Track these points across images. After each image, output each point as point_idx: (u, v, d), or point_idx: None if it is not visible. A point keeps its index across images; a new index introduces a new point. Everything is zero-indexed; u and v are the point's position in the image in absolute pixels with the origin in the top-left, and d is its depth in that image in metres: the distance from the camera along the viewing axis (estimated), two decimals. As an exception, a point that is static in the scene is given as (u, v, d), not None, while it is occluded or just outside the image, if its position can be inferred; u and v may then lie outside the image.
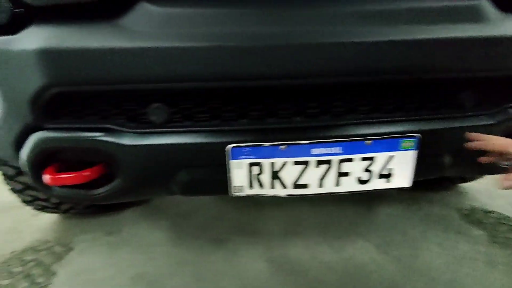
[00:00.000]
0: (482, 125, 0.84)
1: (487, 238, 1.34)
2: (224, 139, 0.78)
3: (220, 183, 0.84)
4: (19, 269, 1.28)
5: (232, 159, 0.80)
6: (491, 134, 0.85)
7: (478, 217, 1.47)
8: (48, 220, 1.62)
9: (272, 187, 0.83)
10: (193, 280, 1.18)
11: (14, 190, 1.38)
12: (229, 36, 0.70)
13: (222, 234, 1.43)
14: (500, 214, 1.49)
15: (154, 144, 0.78)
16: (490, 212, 1.51)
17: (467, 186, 1.75)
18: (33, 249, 1.40)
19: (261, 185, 0.83)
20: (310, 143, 0.79)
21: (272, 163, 0.80)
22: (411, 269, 1.19)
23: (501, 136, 0.87)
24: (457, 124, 0.83)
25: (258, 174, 0.82)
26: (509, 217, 1.47)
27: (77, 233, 1.48)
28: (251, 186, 0.83)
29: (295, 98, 0.80)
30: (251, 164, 0.80)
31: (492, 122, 0.85)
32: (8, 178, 1.33)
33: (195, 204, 1.67)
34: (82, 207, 1.49)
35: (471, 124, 0.83)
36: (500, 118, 0.86)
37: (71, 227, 1.54)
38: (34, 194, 1.36)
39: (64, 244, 1.42)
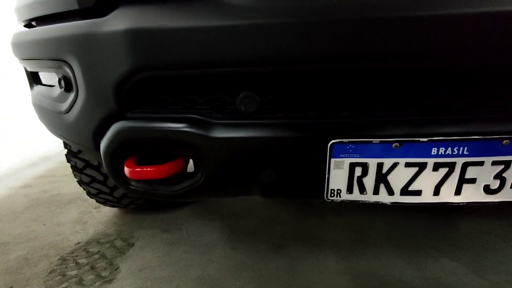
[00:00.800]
0: None
1: None
2: (323, 134, 0.66)
3: (313, 185, 0.72)
4: (85, 260, 1.27)
5: (332, 158, 0.68)
6: None
7: None
8: (109, 213, 1.62)
9: (376, 192, 0.70)
10: (256, 286, 1.08)
11: (81, 182, 1.38)
12: (344, 8, 0.58)
13: (280, 239, 1.32)
14: None
15: (242, 137, 0.69)
16: None
17: None
18: (96, 241, 1.39)
19: (362, 189, 0.70)
20: (430, 141, 0.64)
21: (380, 164, 0.67)
22: (520, 299, 0.99)
23: None
24: None
25: (361, 177, 0.69)
26: None
27: (136, 228, 1.46)
28: (350, 190, 0.71)
29: (411, 85, 0.66)
30: (354, 164, 0.68)
31: None
32: (77, 170, 1.33)
33: (246, 205, 1.58)
34: (141, 202, 1.46)
35: None
36: None
37: (130, 222, 1.52)
38: (99, 188, 1.35)
39: (125, 238, 1.39)
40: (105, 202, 1.48)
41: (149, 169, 0.75)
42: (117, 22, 0.68)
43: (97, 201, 1.48)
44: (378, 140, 0.65)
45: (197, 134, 0.70)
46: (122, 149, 0.78)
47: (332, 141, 0.66)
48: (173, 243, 1.35)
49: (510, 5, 0.55)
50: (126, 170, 0.76)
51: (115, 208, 1.66)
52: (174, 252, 1.29)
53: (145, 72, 0.68)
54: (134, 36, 0.66)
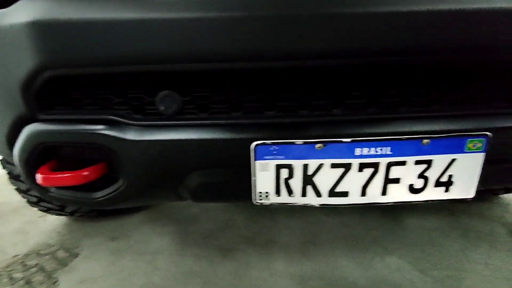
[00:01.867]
0: None
1: (544, 259, 1.12)
2: (247, 135, 0.63)
3: (241, 189, 0.68)
4: (20, 275, 1.16)
5: (257, 160, 0.64)
6: None
7: (529, 234, 1.26)
8: (54, 222, 1.50)
9: (304, 194, 0.67)
10: (204, 295, 1.03)
11: (19, 191, 1.27)
12: (259, 4, 0.54)
13: (232, 243, 1.27)
14: (558, 232, 1.27)
15: (163, 140, 0.64)
16: (542, 228, 1.29)
17: (510, 198, 1.53)
18: (36, 253, 1.28)
19: (290, 192, 0.67)
20: (353, 141, 0.62)
21: (305, 165, 0.64)
22: (458, 294, 1.00)
23: None
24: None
25: (288, 179, 0.66)
26: None
27: (82, 237, 1.36)
28: (278, 192, 0.67)
29: (335, 84, 0.64)
30: (279, 166, 0.64)
31: None
32: (13, 177, 1.22)
33: (202, 209, 1.52)
34: (88, 210, 1.36)
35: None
36: None
37: (76, 230, 1.42)
38: (38, 195, 1.24)
39: (68, 249, 1.29)
40: (47, 211, 1.36)
41: (63, 175, 0.68)
42: (20, 13, 0.61)
43: (39, 209, 1.36)
44: (301, 141, 0.62)
45: (114, 137, 0.64)
46: (38, 154, 0.70)
47: (255, 143, 0.62)
48: (120, 252, 1.26)
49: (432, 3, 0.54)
50: (38, 176, 0.68)
51: (62, 217, 1.54)
52: (120, 261, 1.21)
53: (53, 70, 0.61)
54: (39, 29, 0.59)
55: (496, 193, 1.46)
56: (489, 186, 0.71)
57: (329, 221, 1.40)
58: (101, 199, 0.72)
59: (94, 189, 0.73)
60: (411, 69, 0.62)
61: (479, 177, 0.66)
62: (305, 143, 0.62)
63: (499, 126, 0.63)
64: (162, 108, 0.65)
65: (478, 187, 0.67)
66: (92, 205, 0.72)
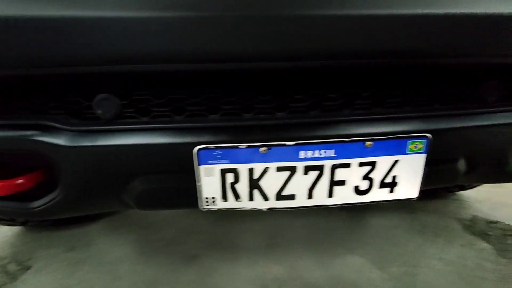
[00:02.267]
0: (503, 124, 0.67)
1: (494, 252, 1.17)
2: (189, 140, 0.60)
3: (186, 195, 0.66)
4: (-36, 292, 1.07)
5: (201, 164, 0.61)
6: (512, 135, 0.69)
7: (482, 229, 1.31)
8: (7, 233, 1.40)
9: (251, 198, 0.65)
10: (164, 304, 0.99)
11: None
12: (195, 4, 0.52)
13: (196, 249, 1.23)
14: (506, 224, 1.33)
15: (102, 146, 0.60)
16: (494, 222, 1.35)
17: (466, 194, 1.60)
18: (-16, 267, 1.18)
19: (237, 196, 0.65)
20: (297, 144, 0.61)
21: (250, 169, 0.62)
22: (413, 289, 1.02)
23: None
24: (475, 122, 0.66)
25: (234, 183, 0.64)
26: (514, 228, 1.31)
27: (36, 249, 1.27)
28: (225, 197, 0.65)
29: (278, 88, 0.63)
30: (224, 171, 0.62)
31: (515, 121, 0.69)
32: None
33: (166, 215, 1.48)
34: (38, 219, 1.28)
35: (492, 123, 0.67)
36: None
37: (31, 241, 1.33)
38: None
39: (21, 261, 1.21)
40: (-3, 221, 1.27)
41: (-7, 184, 0.62)
42: None
43: (-12, 220, 1.27)
44: (245, 145, 0.60)
45: (49, 143, 0.60)
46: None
47: (198, 147, 0.60)
48: (78, 263, 1.19)
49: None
50: (-35, 186, 0.62)
51: (16, 227, 1.44)
52: (77, 273, 1.14)
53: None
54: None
55: (451, 190, 1.52)
56: (432, 186, 0.72)
57: (295, 223, 1.40)
58: (38, 209, 0.66)
59: (31, 198, 0.68)
60: (352, 72, 0.63)
61: (422, 177, 0.67)
62: (249, 147, 0.60)
63: (439, 127, 0.65)
64: (100, 112, 0.61)
65: (421, 187, 0.68)
66: (28, 216, 0.67)
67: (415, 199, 0.70)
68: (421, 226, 1.36)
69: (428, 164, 0.66)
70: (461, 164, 0.71)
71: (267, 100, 0.62)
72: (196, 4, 0.53)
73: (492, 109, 0.67)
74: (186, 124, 0.61)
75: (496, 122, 0.67)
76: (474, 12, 0.58)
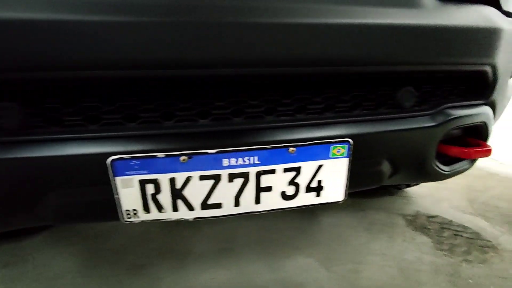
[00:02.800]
0: (421, 128, 0.70)
1: (432, 245, 1.23)
2: (102, 150, 0.56)
3: (106, 208, 0.62)
4: None
5: (117, 176, 0.58)
6: (430, 138, 0.72)
7: (422, 223, 1.38)
8: None
9: (175, 209, 0.63)
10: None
11: None
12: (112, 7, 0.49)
13: (143, 259, 1.18)
14: (444, 218, 1.41)
15: (5, 159, 0.54)
16: (433, 217, 1.42)
17: (412, 190, 1.67)
18: None
19: (160, 207, 0.62)
20: (219, 152, 0.59)
21: (172, 179, 0.60)
22: (355, 287, 1.04)
23: (440, 139, 0.75)
24: (394, 126, 0.69)
25: (155, 194, 0.61)
26: (452, 221, 1.39)
27: (-36, 268, 1.16)
28: (147, 209, 0.62)
29: (200, 95, 0.60)
30: (144, 182, 0.59)
31: (431, 124, 0.72)
32: None
33: (116, 223, 1.41)
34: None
35: (409, 127, 0.70)
36: (441, 119, 0.73)
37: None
38: None
39: None
40: None
41: None
42: None
43: None
44: (163, 154, 0.57)
45: None
46: None
47: (111, 158, 0.56)
48: (12, 280, 1.10)
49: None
50: None
51: None
52: (11, 291, 1.05)
53: None
54: None
55: (399, 187, 1.59)
56: (358, 188, 0.74)
57: (248, 225, 1.39)
58: None
59: None
60: (273, 79, 0.62)
61: (346, 180, 0.68)
62: (168, 156, 0.58)
63: (359, 132, 0.66)
64: (1, 122, 0.55)
65: (347, 190, 0.70)
66: None
67: (341, 201, 0.71)
68: (368, 223, 1.40)
69: (352, 168, 0.67)
70: (385, 166, 0.73)
71: (187, 107, 0.60)
72: (102, 9, 0.50)
73: (409, 113, 0.70)
74: (99, 134, 0.57)
75: (413, 126, 0.69)
76: (387, 22, 0.60)
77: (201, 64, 0.54)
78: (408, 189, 1.67)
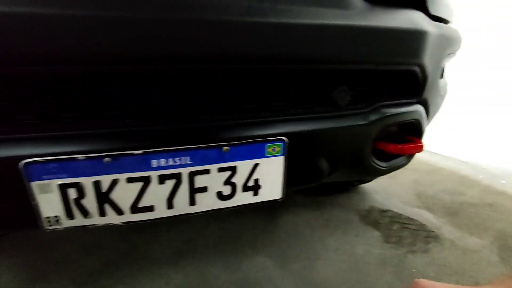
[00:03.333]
0: (355, 126, 0.72)
1: (381, 238, 1.28)
2: (13, 153, 0.51)
3: (23, 215, 0.56)
4: None
5: (33, 181, 0.53)
6: (365, 135, 0.74)
7: (375, 218, 1.42)
8: None
9: (102, 214, 0.59)
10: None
11: None
12: None
13: (95, 267, 1.11)
14: (394, 212, 1.46)
15: None
16: (385, 211, 1.48)
17: (367, 186, 1.73)
18: None
19: (85, 213, 0.58)
20: (145, 153, 0.56)
21: (96, 183, 0.56)
22: (308, 283, 1.05)
23: (375, 136, 0.77)
24: (329, 124, 0.69)
25: (78, 199, 0.56)
26: (401, 215, 1.45)
27: None
28: (70, 215, 0.57)
29: (121, 91, 0.57)
30: (64, 186, 0.55)
31: (366, 122, 0.74)
32: None
33: (62, 231, 1.32)
34: None
35: (344, 125, 0.71)
36: (374, 117, 0.75)
37: None
38: None
39: None
40: None
41: None
42: None
43: None
44: (84, 156, 0.53)
45: None
46: None
47: (24, 161, 0.51)
48: None
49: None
50: None
51: None
52: None
53: None
54: None
55: (353, 184, 1.63)
56: (297, 186, 0.74)
57: (209, 226, 1.36)
58: None
59: None
60: (207, 76, 0.60)
61: (283, 178, 0.68)
62: (89, 158, 0.54)
63: (294, 131, 0.66)
64: None
65: (284, 188, 0.69)
66: None
67: (280, 200, 0.70)
68: (325, 220, 1.43)
69: (289, 166, 0.67)
70: (323, 164, 0.74)
71: (112, 107, 0.57)
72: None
73: (344, 112, 0.71)
74: (10, 136, 0.52)
75: (348, 124, 0.71)
76: (317, 22, 0.61)
77: (121, 60, 0.51)
78: (364, 185, 1.72)
